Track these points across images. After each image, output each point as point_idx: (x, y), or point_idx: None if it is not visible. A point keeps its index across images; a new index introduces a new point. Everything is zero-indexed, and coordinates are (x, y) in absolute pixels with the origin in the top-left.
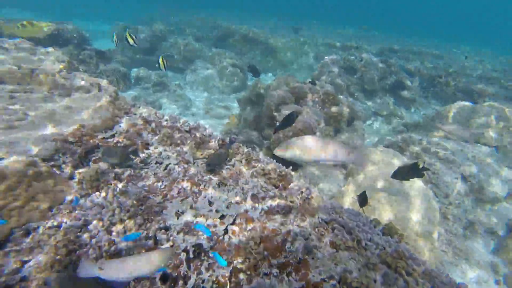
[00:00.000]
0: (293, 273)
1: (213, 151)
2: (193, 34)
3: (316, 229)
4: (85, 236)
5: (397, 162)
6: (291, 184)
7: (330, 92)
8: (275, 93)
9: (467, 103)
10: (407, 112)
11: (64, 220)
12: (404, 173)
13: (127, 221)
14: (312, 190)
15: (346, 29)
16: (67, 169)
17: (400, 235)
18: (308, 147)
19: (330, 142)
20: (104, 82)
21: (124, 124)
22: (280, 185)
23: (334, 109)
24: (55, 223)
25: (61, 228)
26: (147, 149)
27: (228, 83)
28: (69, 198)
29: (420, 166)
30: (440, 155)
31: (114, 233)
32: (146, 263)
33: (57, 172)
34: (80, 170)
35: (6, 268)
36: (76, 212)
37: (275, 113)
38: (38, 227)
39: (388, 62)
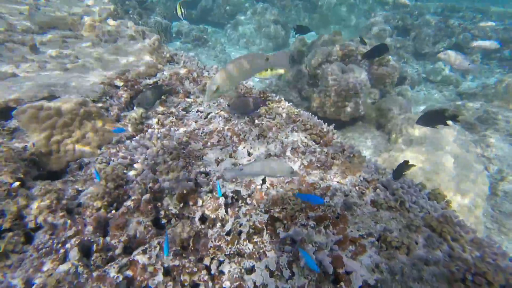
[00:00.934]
0: (331, 227)
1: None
2: None
3: (357, 187)
4: (131, 173)
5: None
6: (333, 141)
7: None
8: (319, 50)
9: None
10: (464, 80)
11: (112, 158)
12: (429, 119)
13: (170, 162)
14: (355, 148)
15: None
16: (114, 111)
17: (448, 202)
18: None
19: None
20: (148, 31)
21: (166, 72)
22: (322, 141)
23: (381, 70)
24: (104, 160)
25: (109, 165)
26: (188, 97)
27: (269, 40)
28: (115, 139)
29: (447, 114)
30: (500, 125)
31: (158, 173)
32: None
33: (105, 113)
34: (126, 113)
35: (66, 194)
36: (123, 151)
37: (318, 71)
38: (89, 162)
39: (448, 22)
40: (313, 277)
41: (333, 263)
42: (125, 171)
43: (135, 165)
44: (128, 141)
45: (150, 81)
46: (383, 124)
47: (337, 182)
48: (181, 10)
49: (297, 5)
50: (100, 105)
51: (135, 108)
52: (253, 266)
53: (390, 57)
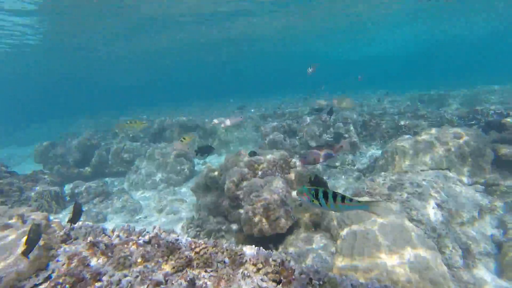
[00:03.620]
0: None
1: (181, 261)
2: (127, 135)
3: None
4: None
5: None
6: (296, 273)
7: (286, 156)
8: (231, 171)
9: (406, 136)
10: (354, 158)
11: None
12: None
13: None
14: (321, 272)
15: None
16: None
17: None
18: None
19: None
20: (26, 210)
21: (62, 256)
22: (282, 277)
23: (293, 172)
24: None
25: None
26: (99, 280)
27: (175, 174)
28: None
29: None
30: (409, 190)
31: None
32: None
33: None
34: None
35: None
36: None
37: (238, 192)
38: None
39: (323, 118)
40: None
41: None
42: None
43: None
44: None
45: (40, 279)
46: (318, 223)
47: None
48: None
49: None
50: None
51: None
52: None
53: (293, 160)
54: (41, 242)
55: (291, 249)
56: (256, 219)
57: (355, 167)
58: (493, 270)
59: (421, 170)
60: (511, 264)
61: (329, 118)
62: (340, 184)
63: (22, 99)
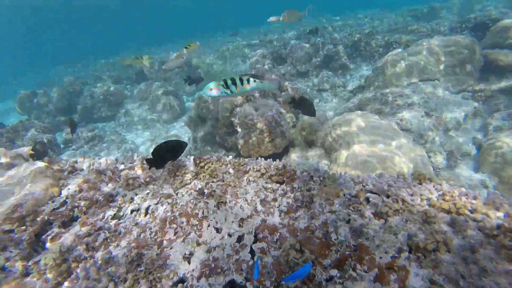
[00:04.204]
0: (358, 265)
1: (188, 175)
2: (110, 77)
3: (351, 207)
4: None
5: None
6: (297, 173)
7: (278, 79)
8: (223, 99)
9: (398, 49)
10: (346, 80)
11: None
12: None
13: None
14: (322, 168)
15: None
16: (17, 265)
17: (430, 179)
18: None
19: None
20: (27, 150)
21: (72, 185)
22: (285, 179)
23: (286, 94)
24: None
25: None
26: (112, 201)
27: (166, 112)
28: None
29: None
30: (399, 103)
31: None
32: None
33: (2, 275)
34: (36, 259)
35: None
36: None
37: (232, 118)
38: None
39: (311, 41)
40: None
41: None
42: None
43: None
44: None
45: (56, 203)
46: (312, 140)
47: (329, 212)
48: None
49: (178, 73)
50: None
51: (47, 246)
52: None
53: (286, 82)
54: (48, 173)
55: None
56: (252, 141)
57: (346, 89)
58: (472, 168)
59: (411, 83)
60: (487, 160)
61: (314, 40)
62: (331, 106)
63: None
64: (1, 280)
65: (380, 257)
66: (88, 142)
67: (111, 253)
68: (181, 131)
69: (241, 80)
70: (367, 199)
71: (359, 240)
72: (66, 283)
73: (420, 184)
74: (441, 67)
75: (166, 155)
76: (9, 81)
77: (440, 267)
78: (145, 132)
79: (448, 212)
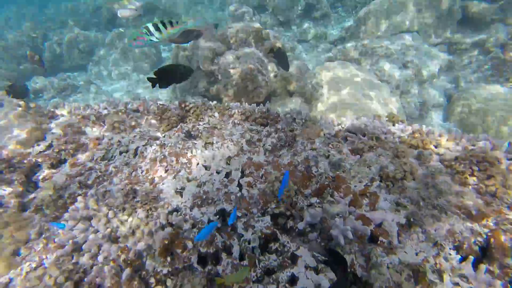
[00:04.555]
0: (335, 192)
1: (174, 118)
2: (77, 23)
3: (330, 145)
4: (85, 259)
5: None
6: (281, 115)
7: (259, 28)
8: (204, 46)
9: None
10: (327, 31)
11: (44, 256)
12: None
13: (129, 219)
14: (302, 112)
15: None
16: (12, 202)
17: (402, 121)
18: None
19: None
20: (2, 94)
21: (56, 128)
22: (268, 121)
23: (268, 43)
24: (34, 265)
25: (48, 265)
26: (99, 144)
27: (142, 62)
28: (34, 231)
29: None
30: (379, 54)
31: (120, 239)
32: None
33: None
34: (31, 196)
35: None
36: (56, 240)
37: (212, 67)
38: (10, 279)
39: None
40: (355, 248)
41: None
42: (74, 260)
43: (84, 246)
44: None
45: (42, 146)
46: (293, 90)
47: (310, 149)
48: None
49: (151, 20)
50: None
51: (39, 185)
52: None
53: (268, 30)
54: (29, 117)
55: None
56: (234, 90)
57: (327, 40)
58: (441, 118)
59: (391, 34)
60: (455, 111)
61: None
62: (311, 56)
63: None
64: (2, 215)
65: (355, 186)
66: (60, 92)
67: (106, 187)
68: None
69: (164, 24)
70: (345, 138)
71: (337, 172)
72: (66, 215)
73: (393, 125)
74: (421, 18)
75: (172, 76)
76: None
77: (405, 192)
78: (120, 82)
79: (416, 147)
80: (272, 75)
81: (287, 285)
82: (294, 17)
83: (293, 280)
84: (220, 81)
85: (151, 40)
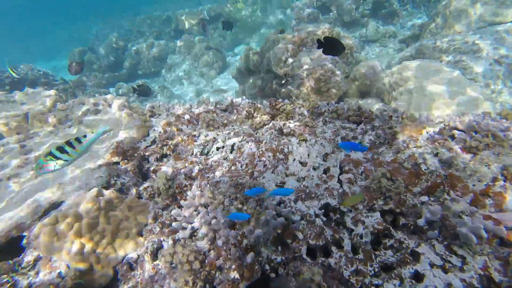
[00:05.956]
0: (450, 191)
1: (266, 116)
2: (151, 33)
3: (437, 142)
4: (203, 243)
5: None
6: (376, 112)
7: (330, 29)
8: (275, 50)
9: None
10: (395, 29)
11: (162, 239)
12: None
13: (245, 208)
14: (398, 110)
15: None
16: (132, 190)
17: None
18: None
19: None
20: (109, 97)
21: (157, 126)
22: (363, 119)
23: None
24: (156, 246)
25: (177, 245)
26: (196, 141)
27: (209, 67)
28: (151, 215)
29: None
30: (462, 49)
31: (237, 226)
32: None
33: (123, 196)
34: (146, 185)
35: None
36: (174, 224)
37: (286, 69)
38: (138, 257)
39: None
40: (487, 249)
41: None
42: (196, 244)
43: (201, 231)
44: (174, 210)
45: (148, 142)
46: (366, 91)
47: (415, 147)
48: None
49: (216, 28)
50: (112, 189)
51: (151, 175)
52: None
53: (338, 30)
54: (135, 115)
55: None
56: (308, 91)
57: (396, 39)
58: None
59: (480, 28)
60: None
61: None
62: (381, 55)
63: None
64: (122, 198)
65: (473, 185)
66: (139, 97)
67: (218, 178)
68: (223, 84)
69: (70, 144)
70: (452, 136)
71: (450, 170)
72: (188, 199)
73: (507, 118)
74: None
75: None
76: (46, 40)
77: None
78: (189, 87)
79: None
80: (343, 76)
81: (413, 281)
82: (360, 17)
83: (417, 277)
84: (293, 83)
85: (59, 166)
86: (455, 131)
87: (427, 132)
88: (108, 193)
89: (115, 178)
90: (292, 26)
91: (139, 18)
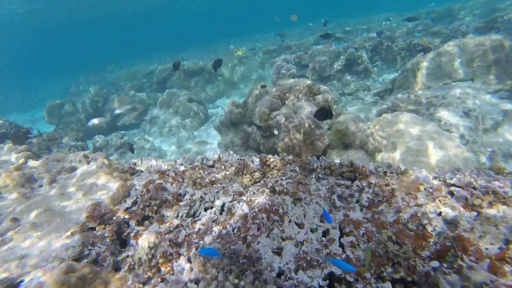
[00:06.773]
0: (464, 256)
1: (257, 173)
2: (132, 86)
3: (437, 200)
4: None
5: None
6: (370, 168)
7: (311, 84)
8: (259, 103)
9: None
10: (369, 84)
11: None
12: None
13: (242, 283)
14: (392, 165)
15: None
16: (107, 260)
17: (510, 172)
18: None
19: None
20: (87, 153)
21: (138, 185)
22: (356, 175)
23: (319, 98)
24: None
25: None
26: (181, 201)
27: (191, 119)
28: None
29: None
30: (435, 104)
31: None
32: None
33: (98, 269)
34: (125, 255)
35: None
36: None
37: (270, 122)
38: None
39: (331, 47)
40: None
41: None
42: None
43: None
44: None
45: (129, 203)
46: (349, 143)
47: (416, 205)
48: None
49: (198, 81)
50: (85, 261)
51: (131, 242)
52: None
53: (319, 85)
54: (115, 174)
55: None
56: (293, 143)
57: (371, 92)
58: None
59: (444, 84)
60: None
61: (331, 42)
62: (357, 108)
63: (10, 65)
64: (97, 273)
65: (486, 248)
66: (117, 149)
67: (205, 244)
68: (205, 136)
69: None
70: (451, 193)
71: (457, 232)
72: (176, 274)
73: (499, 173)
74: (475, 66)
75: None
76: (26, 92)
77: None
78: (170, 138)
79: None
80: (326, 127)
81: None
82: (334, 72)
83: None
84: (277, 136)
85: None
86: (454, 188)
87: (425, 189)
88: (79, 267)
89: (89, 248)
90: (273, 80)
91: (121, 72)
